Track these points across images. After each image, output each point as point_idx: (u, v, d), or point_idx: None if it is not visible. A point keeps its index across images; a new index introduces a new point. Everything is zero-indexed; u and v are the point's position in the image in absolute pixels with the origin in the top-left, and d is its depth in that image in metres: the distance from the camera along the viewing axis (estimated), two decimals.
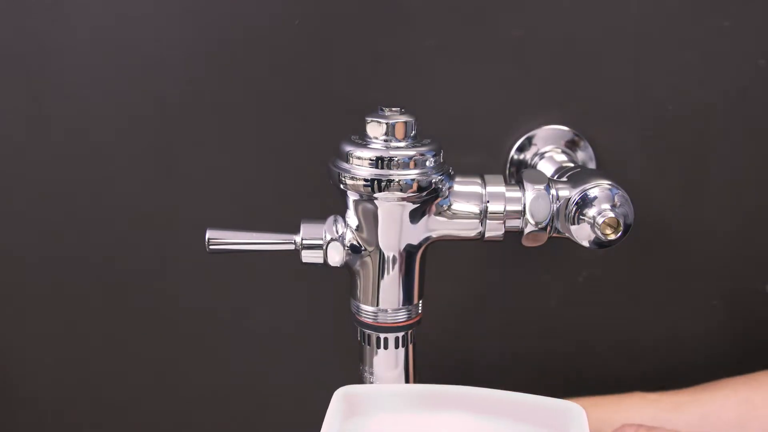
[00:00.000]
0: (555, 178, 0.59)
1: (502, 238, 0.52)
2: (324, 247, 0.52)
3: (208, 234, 0.53)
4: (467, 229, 0.52)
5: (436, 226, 0.51)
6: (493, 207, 0.51)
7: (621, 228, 0.49)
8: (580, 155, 0.66)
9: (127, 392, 0.75)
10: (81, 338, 0.73)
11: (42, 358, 0.74)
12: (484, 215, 0.51)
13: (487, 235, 0.52)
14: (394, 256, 0.51)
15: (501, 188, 0.51)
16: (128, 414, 0.75)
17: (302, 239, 0.52)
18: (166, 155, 0.68)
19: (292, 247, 0.52)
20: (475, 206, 0.51)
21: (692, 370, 0.74)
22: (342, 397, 0.48)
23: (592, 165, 0.67)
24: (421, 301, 0.54)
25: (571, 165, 0.63)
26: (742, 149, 0.68)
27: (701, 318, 0.73)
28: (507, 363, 0.74)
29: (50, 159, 0.68)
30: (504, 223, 0.51)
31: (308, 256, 0.52)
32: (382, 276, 0.52)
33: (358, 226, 0.51)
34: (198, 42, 0.65)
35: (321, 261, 0.52)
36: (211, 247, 0.53)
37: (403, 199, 0.49)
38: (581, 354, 0.74)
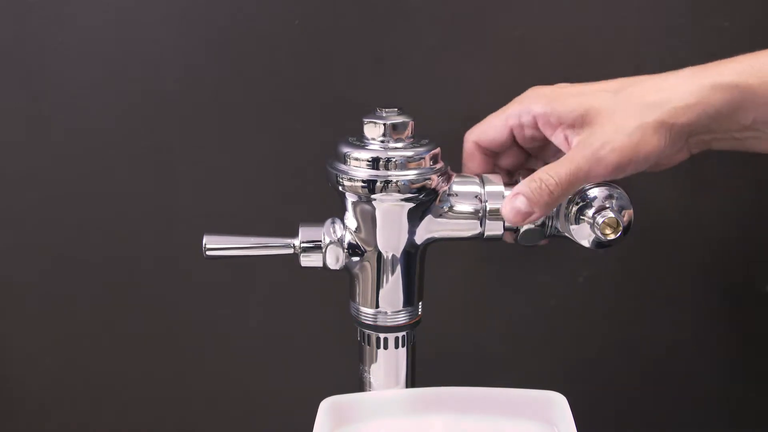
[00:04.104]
0: None
1: (501, 237, 0.52)
2: (323, 250, 0.51)
3: (205, 240, 0.52)
4: (466, 229, 0.52)
5: (435, 227, 0.51)
6: (491, 206, 0.51)
7: (621, 228, 0.49)
8: None
9: (127, 392, 0.75)
10: (81, 338, 0.73)
11: (42, 358, 0.74)
12: (483, 214, 0.51)
13: (486, 234, 0.51)
14: (393, 258, 0.51)
15: (499, 187, 0.51)
16: (128, 414, 0.75)
17: (301, 243, 0.51)
18: (166, 155, 0.68)
19: (290, 251, 0.52)
20: (474, 206, 0.51)
21: (692, 370, 0.74)
22: (329, 407, 0.49)
23: None
24: (420, 303, 0.53)
25: None
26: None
27: (701, 318, 0.73)
28: (507, 363, 0.74)
29: (50, 159, 0.68)
30: (503, 221, 0.51)
31: (307, 260, 0.52)
32: (382, 278, 0.51)
33: (356, 228, 0.51)
34: (198, 42, 0.65)
35: (320, 264, 0.52)
36: (208, 253, 0.52)
37: (402, 200, 0.49)
38: (581, 354, 0.74)
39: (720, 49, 0.65)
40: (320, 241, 0.51)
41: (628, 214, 0.50)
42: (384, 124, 0.49)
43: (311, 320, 0.72)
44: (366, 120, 0.50)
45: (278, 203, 0.68)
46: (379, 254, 0.51)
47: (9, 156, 0.68)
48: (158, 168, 0.68)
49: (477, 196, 0.51)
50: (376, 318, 0.52)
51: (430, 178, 0.49)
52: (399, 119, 0.49)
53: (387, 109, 0.50)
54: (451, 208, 0.51)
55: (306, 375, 0.73)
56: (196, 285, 0.72)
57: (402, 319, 0.52)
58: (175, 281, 0.72)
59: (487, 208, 0.51)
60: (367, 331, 0.53)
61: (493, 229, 0.51)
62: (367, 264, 0.51)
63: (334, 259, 0.51)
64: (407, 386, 0.55)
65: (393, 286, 0.51)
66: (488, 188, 0.51)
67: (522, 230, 0.51)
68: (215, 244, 0.52)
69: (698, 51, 0.65)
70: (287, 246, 0.52)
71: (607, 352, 0.74)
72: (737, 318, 0.73)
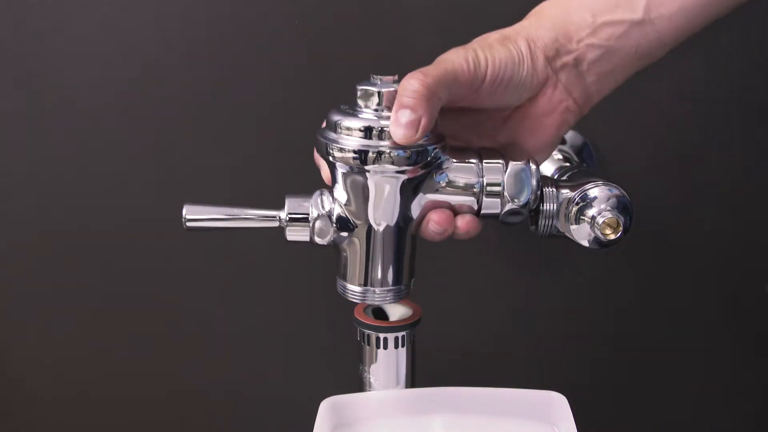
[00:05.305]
0: (555, 177, 0.59)
1: (498, 216, 0.48)
2: (311, 224, 0.48)
3: (185, 210, 0.49)
4: (463, 204, 0.48)
5: (429, 202, 0.48)
6: (490, 181, 0.47)
7: (621, 228, 0.49)
8: (580, 155, 0.66)
9: (127, 392, 0.75)
10: (81, 338, 0.73)
11: (42, 358, 0.74)
12: (480, 190, 0.48)
13: (483, 211, 0.48)
14: (384, 233, 0.48)
15: (498, 163, 0.48)
16: (127, 414, 0.75)
17: (287, 215, 0.48)
18: (166, 155, 0.68)
19: (276, 224, 0.49)
20: (471, 181, 0.48)
21: (691, 370, 0.74)
22: (329, 407, 0.48)
23: (592, 165, 0.67)
24: (412, 281, 0.50)
25: (571, 165, 0.63)
26: (742, 149, 0.68)
27: (701, 318, 0.73)
28: (507, 363, 0.74)
29: (50, 159, 0.68)
30: (501, 199, 0.48)
31: (293, 234, 0.49)
32: (371, 254, 0.48)
33: (347, 201, 0.47)
34: (198, 42, 0.65)
35: (307, 239, 0.49)
36: (188, 224, 0.49)
37: (395, 172, 0.46)
38: (581, 354, 0.74)
39: (720, 49, 0.65)
40: (307, 213, 0.48)
41: (628, 214, 0.50)
42: (378, 92, 0.46)
43: (311, 320, 0.72)
44: (359, 87, 0.46)
45: (280, 204, 0.68)
46: (370, 228, 0.48)
47: (9, 156, 0.68)
48: (158, 167, 0.68)
49: (474, 171, 0.48)
50: (364, 296, 0.49)
51: (426, 150, 0.46)
52: (394, 87, 0.46)
53: (382, 77, 0.47)
54: (446, 182, 0.48)
55: (306, 375, 0.73)
56: (197, 285, 0.72)
57: (390, 297, 0.49)
58: (175, 281, 0.72)
59: (485, 183, 0.48)
60: (367, 331, 0.53)
61: (490, 207, 0.48)
62: (356, 239, 0.48)
63: (323, 233, 0.48)
64: (407, 386, 0.55)
65: (383, 264, 0.48)
66: (486, 163, 0.48)
67: (504, 210, 0.48)
68: (196, 215, 0.49)
69: (698, 51, 0.65)
70: (272, 218, 0.49)
71: (607, 352, 0.74)
72: (737, 318, 0.73)
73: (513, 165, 0.48)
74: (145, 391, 0.75)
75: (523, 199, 0.48)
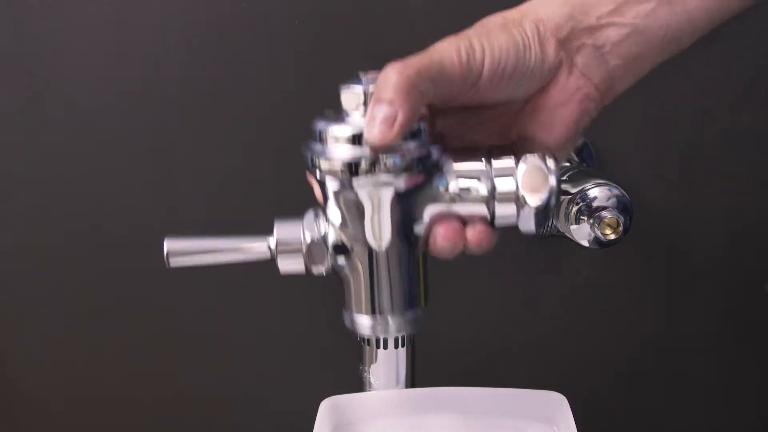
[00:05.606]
0: None
1: (515, 223, 0.41)
2: (303, 251, 0.43)
3: (167, 246, 0.44)
4: (473, 213, 0.42)
5: (434, 213, 0.42)
6: (501, 184, 0.41)
7: (620, 228, 0.49)
8: (580, 155, 0.66)
9: (127, 392, 0.75)
10: (81, 338, 0.73)
11: (42, 358, 0.74)
12: (491, 195, 0.41)
13: (497, 220, 0.42)
14: (388, 254, 0.42)
15: (509, 162, 0.41)
16: (128, 414, 0.75)
17: (277, 242, 0.43)
18: (166, 155, 0.68)
19: (266, 255, 0.43)
20: (481, 185, 0.41)
21: (692, 370, 0.74)
22: (329, 407, 0.48)
23: (592, 165, 0.67)
24: (426, 302, 0.45)
25: (571, 165, 0.63)
26: (742, 149, 0.68)
27: (701, 318, 0.73)
28: (507, 363, 0.74)
29: (50, 159, 0.68)
30: (516, 203, 0.41)
31: (286, 265, 0.43)
32: (376, 280, 0.43)
33: (342, 222, 0.42)
34: (198, 42, 0.65)
35: (302, 269, 0.43)
36: (171, 262, 0.44)
37: (393, 182, 0.40)
38: (581, 354, 0.74)
39: (720, 49, 0.65)
40: (300, 239, 0.43)
41: (628, 214, 0.50)
42: (365, 93, 0.40)
43: (311, 320, 0.72)
44: (343, 87, 0.41)
45: (279, 204, 0.68)
46: (371, 251, 0.42)
47: (9, 156, 0.68)
48: (158, 168, 0.68)
49: (484, 174, 0.41)
50: (375, 328, 0.44)
51: (424, 155, 0.40)
52: None
53: (368, 74, 0.41)
54: (451, 189, 0.41)
55: (306, 375, 0.73)
56: (196, 285, 0.72)
57: (406, 326, 0.45)
58: (175, 281, 0.71)
59: (496, 186, 0.41)
60: None
61: (504, 213, 0.41)
62: (358, 264, 0.43)
63: (317, 262, 0.43)
64: (407, 386, 0.55)
65: (392, 289, 0.43)
66: (496, 164, 0.41)
67: (521, 216, 0.41)
68: (179, 250, 0.45)
69: (698, 51, 0.65)
70: (262, 249, 0.44)
71: (607, 352, 0.74)
72: (737, 318, 0.73)
73: (526, 161, 0.41)
74: (145, 391, 0.75)
75: (540, 201, 0.41)
